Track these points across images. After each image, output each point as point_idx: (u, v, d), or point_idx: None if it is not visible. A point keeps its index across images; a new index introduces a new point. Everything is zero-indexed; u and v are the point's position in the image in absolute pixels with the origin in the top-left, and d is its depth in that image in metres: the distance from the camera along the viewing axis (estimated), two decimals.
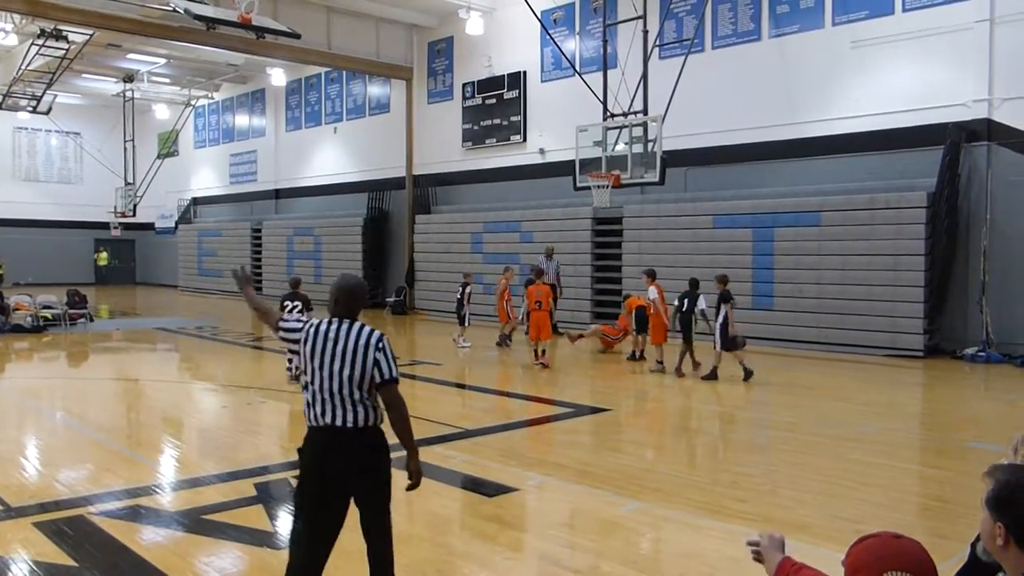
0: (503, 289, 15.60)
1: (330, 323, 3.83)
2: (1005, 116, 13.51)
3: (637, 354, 13.70)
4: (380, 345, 3.77)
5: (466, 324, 15.62)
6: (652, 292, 12.57)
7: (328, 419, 3.72)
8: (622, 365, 13.45)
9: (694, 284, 12.33)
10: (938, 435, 8.86)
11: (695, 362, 12.25)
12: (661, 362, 12.48)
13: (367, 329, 3.81)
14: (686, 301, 12.18)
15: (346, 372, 3.71)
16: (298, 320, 4.04)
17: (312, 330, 3.82)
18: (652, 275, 12.73)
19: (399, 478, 3.84)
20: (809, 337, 14.95)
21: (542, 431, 8.88)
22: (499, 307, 15.59)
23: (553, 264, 17.10)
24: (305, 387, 3.83)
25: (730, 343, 11.66)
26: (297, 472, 3.88)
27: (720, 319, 11.69)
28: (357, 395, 3.72)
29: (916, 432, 9.09)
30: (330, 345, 3.76)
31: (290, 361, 11.56)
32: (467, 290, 15.76)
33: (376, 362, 3.73)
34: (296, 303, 11.71)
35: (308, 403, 3.80)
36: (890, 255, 14.16)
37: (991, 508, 1.99)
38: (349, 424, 3.71)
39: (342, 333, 3.78)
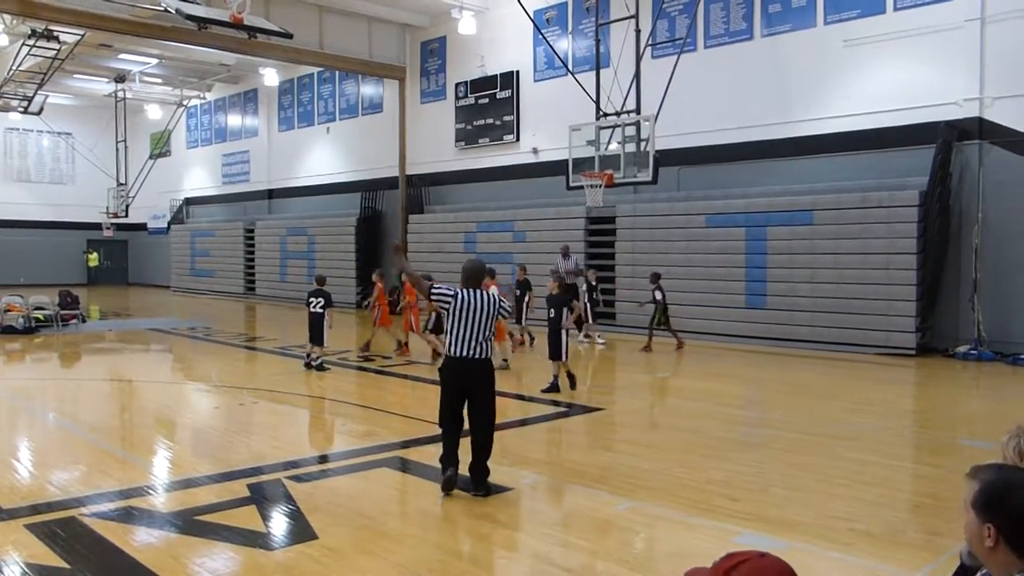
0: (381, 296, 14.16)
1: (468, 291, 6.20)
2: (996, 115, 13.56)
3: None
4: (500, 301, 6.36)
5: (589, 320, 15.61)
6: (493, 292, 11.85)
7: (463, 353, 6.10)
8: (607, 364, 13.46)
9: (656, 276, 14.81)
10: (930, 433, 8.90)
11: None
12: (506, 359, 12.54)
13: (489, 293, 6.30)
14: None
15: (478, 323, 6.10)
16: (448, 288, 6.23)
17: (459, 296, 6.14)
18: (492, 274, 12.11)
19: None
20: (802, 336, 14.99)
21: (535, 430, 8.88)
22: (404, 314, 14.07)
23: (571, 262, 16.76)
24: (447, 331, 6.17)
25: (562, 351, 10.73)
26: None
27: (565, 324, 10.74)
28: (482, 337, 6.13)
29: (909, 430, 9.11)
30: (469, 305, 6.12)
31: (308, 355, 12.49)
32: (583, 288, 15.56)
33: (500, 310, 6.31)
34: (320, 299, 12.04)
35: (451, 342, 6.12)
36: (882, 254, 14.20)
37: (979, 509, 1.94)
38: (476, 356, 6.11)
39: (476, 298, 6.18)
